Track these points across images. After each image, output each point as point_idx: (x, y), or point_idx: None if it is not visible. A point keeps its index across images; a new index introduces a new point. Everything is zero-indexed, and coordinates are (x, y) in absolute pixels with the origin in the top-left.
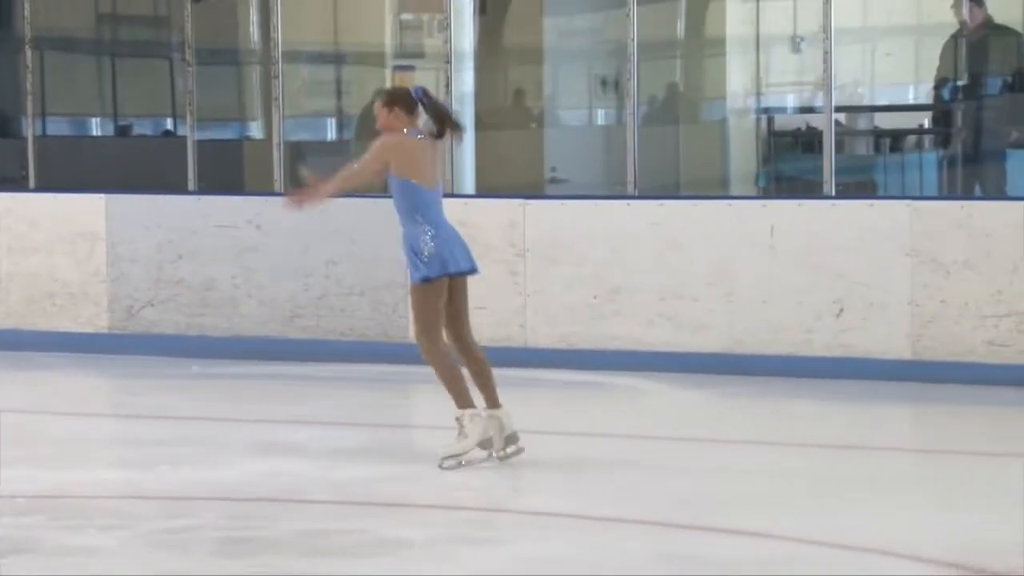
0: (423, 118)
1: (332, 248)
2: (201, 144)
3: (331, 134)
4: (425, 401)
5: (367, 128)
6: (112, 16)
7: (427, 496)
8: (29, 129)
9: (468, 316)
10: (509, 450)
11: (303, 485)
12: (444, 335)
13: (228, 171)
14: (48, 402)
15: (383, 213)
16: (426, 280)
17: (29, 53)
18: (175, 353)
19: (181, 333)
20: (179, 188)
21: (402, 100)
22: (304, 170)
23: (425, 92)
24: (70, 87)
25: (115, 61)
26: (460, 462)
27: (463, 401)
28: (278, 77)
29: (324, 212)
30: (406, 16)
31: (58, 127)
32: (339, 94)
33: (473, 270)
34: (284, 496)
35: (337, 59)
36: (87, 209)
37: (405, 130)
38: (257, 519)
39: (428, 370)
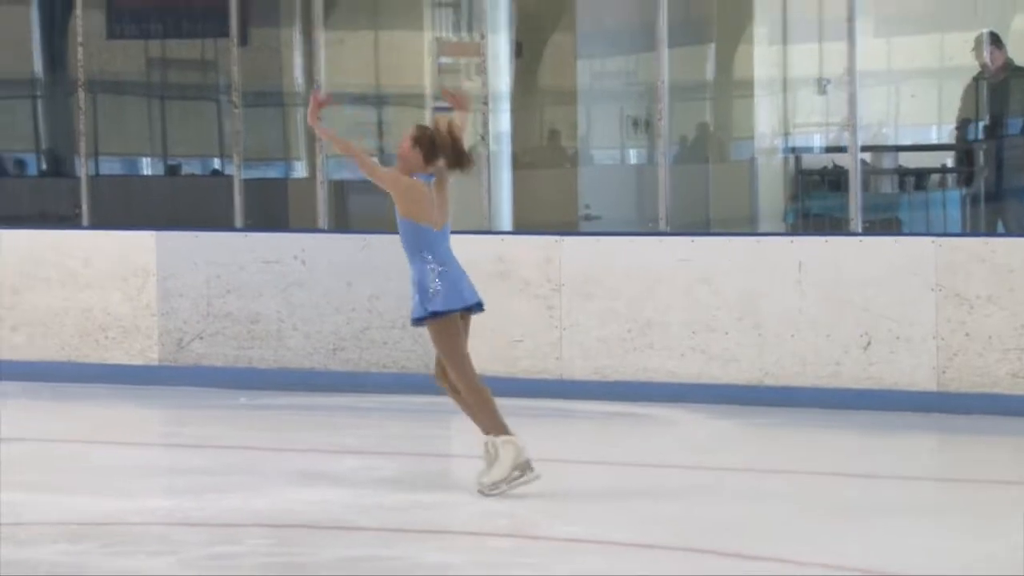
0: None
1: (374, 283)
2: (247, 183)
3: None
4: (463, 431)
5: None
6: (161, 60)
7: (465, 523)
8: (82, 169)
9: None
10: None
11: (345, 513)
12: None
13: (274, 209)
14: (100, 432)
15: None
16: (436, 315)
17: (82, 95)
18: (223, 384)
19: (229, 365)
20: (226, 225)
21: (426, 146)
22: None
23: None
24: (121, 128)
25: (165, 103)
26: (503, 489)
27: (497, 427)
28: (321, 118)
29: (366, 249)
30: (445, 60)
31: (110, 167)
32: (380, 134)
33: (479, 305)
34: (327, 523)
35: (378, 101)
36: (138, 245)
37: (417, 173)
38: (301, 545)
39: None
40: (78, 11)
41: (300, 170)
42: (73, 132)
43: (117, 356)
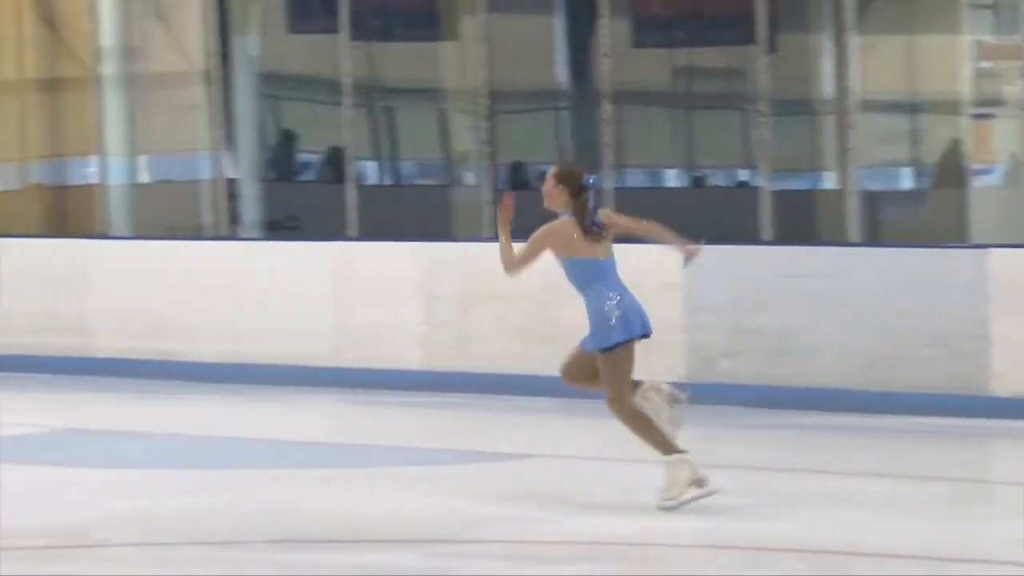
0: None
1: (907, 299)
2: (774, 194)
3: (907, 184)
4: (1002, 456)
5: (946, 177)
6: (688, 69)
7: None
8: (607, 181)
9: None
10: None
11: (878, 539)
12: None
13: (800, 221)
14: (621, 448)
15: (970, 264)
16: (617, 345)
17: (607, 107)
18: (752, 403)
19: (757, 383)
20: (752, 238)
21: (572, 181)
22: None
23: (593, 184)
24: (646, 139)
25: (690, 113)
26: (679, 503)
27: (665, 448)
28: (853, 127)
29: (899, 263)
30: (984, 64)
31: (635, 178)
32: (914, 142)
33: (647, 334)
34: (862, 548)
35: (912, 108)
36: (667, 259)
37: (562, 212)
38: (836, 570)
39: (1009, 424)
40: (603, 21)
41: (829, 181)
42: (598, 144)
43: (641, 373)
